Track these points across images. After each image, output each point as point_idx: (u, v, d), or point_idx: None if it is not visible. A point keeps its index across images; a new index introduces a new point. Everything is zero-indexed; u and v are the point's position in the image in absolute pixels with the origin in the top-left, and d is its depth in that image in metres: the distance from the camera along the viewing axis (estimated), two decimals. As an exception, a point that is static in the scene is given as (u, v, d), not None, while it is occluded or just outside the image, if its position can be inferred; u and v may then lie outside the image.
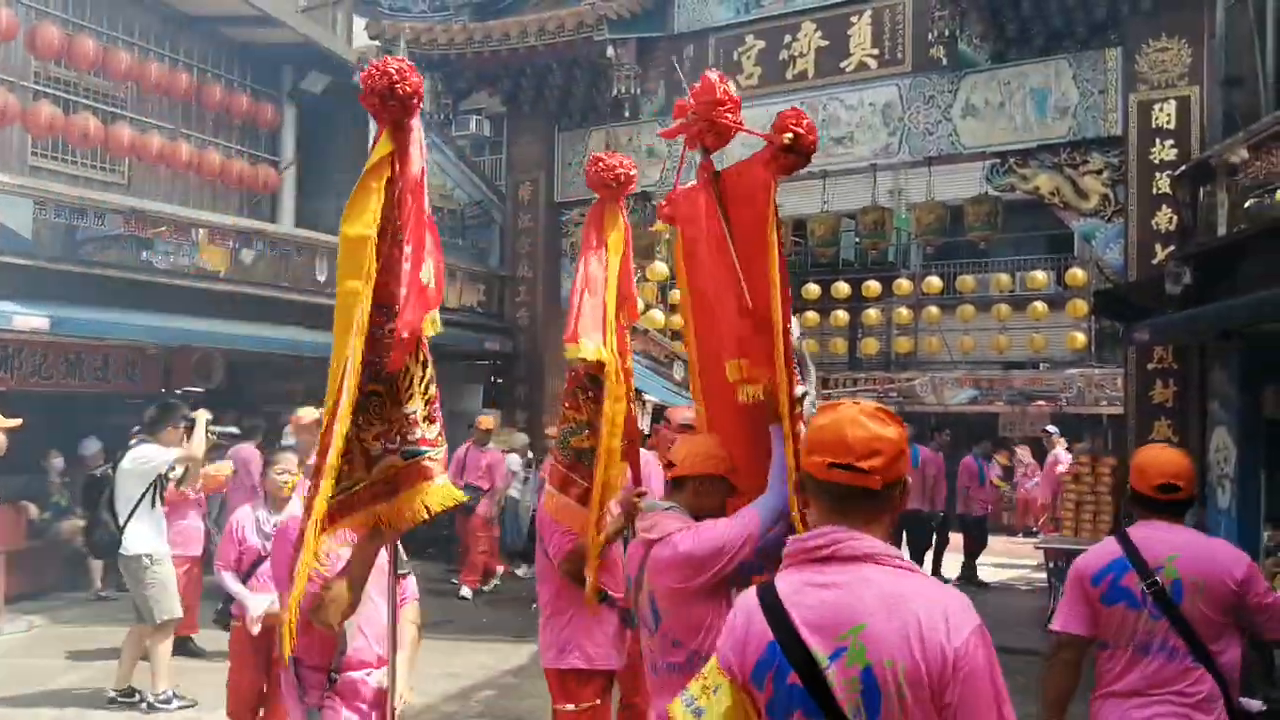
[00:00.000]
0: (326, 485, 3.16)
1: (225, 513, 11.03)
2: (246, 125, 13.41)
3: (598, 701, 4.67)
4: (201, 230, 10.96)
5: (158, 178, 12.34)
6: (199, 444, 7.12)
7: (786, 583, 2.13)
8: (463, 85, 14.84)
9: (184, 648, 8.59)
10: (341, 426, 3.16)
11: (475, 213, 15.16)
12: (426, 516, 3.46)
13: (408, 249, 3.31)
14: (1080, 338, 18.21)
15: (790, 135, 3.43)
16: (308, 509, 3.21)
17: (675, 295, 22.01)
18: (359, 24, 15.40)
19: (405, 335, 3.32)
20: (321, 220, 13.71)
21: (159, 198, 11.73)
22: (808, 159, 3.53)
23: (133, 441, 7.21)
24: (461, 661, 7.13)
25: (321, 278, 12.32)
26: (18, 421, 6.92)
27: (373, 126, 13.32)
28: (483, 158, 18.13)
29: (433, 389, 3.54)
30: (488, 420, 11.93)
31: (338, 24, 15.55)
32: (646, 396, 19.98)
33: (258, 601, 5.49)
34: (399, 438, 3.43)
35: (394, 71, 3.31)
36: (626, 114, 13.97)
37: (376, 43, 14.09)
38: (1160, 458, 3.68)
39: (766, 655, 2.07)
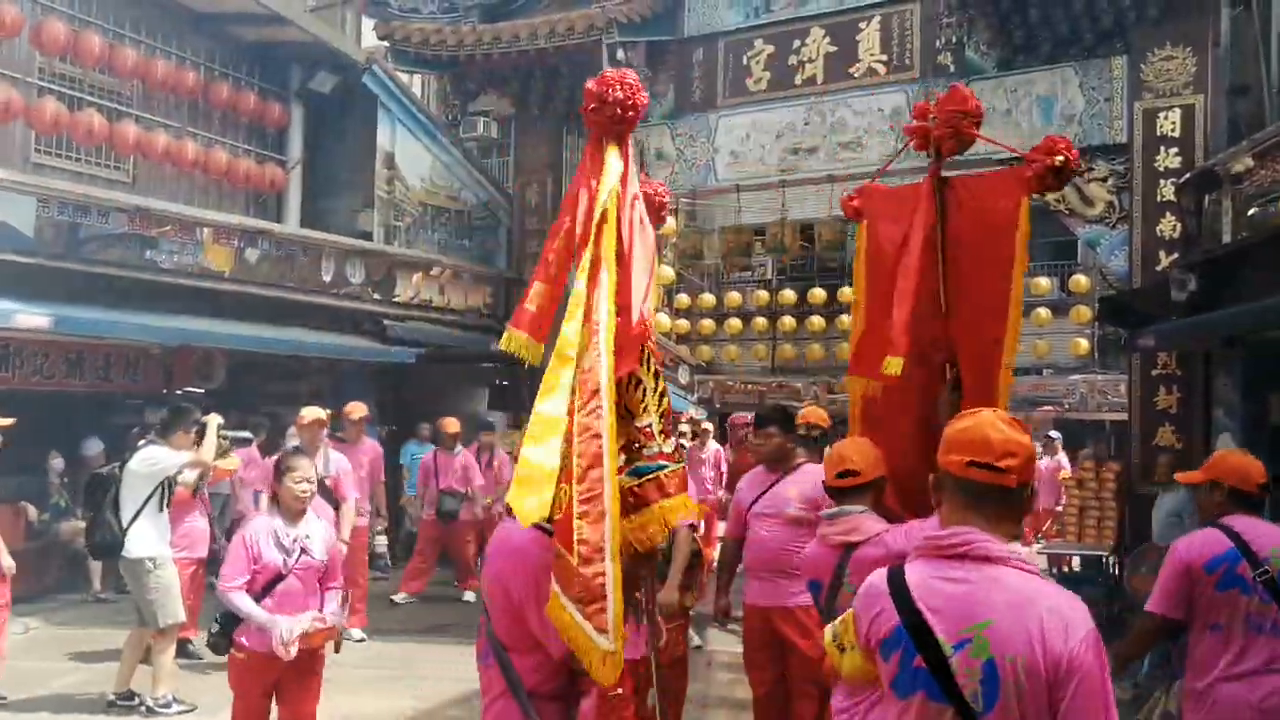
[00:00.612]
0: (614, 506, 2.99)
1: (229, 512, 11.06)
2: (253, 124, 13.40)
3: (621, 690, 4.73)
4: (206, 229, 10.95)
5: (163, 176, 12.32)
6: (209, 449, 7.09)
7: (916, 573, 2.33)
8: (471, 87, 14.84)
9: (183, 650, 8.57)
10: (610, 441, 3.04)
11: (482, 214, 15.16)
12: (665, 535, 3.40)
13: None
14: (1084, 344, 18.18)
15: (1061, 158, 3.63)
16: (565, 535, 2.96)
17: (682, 299, 22.05)
18: (368, 24, 15.41)
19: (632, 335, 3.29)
20: (328, 220, 13.72)
21: (164, 196, 11.70)
22: (1065, 183, 3.87)
23: (142, 442, 7.15)
24: (466, 666, 7.06)
25: (327, 278, 12.32)
26: (11, 421, 6.92)
27: (382, 128, 13.26)
28: (490, 160, 18.13)
29: (666, 400, 3.43)
30: (453, 424, 11.61)
31: (346, 24, 15.54)
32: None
33: (291, 623, 4.86)
34: (629, 453, 3.29)
35: (629, 84, 3.40)
36: (634, 117, 13.93)
37: (385, 44, 14.10)
38: (1254, 462, 4.18)
39: (894, 636, 2.29)
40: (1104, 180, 11.01)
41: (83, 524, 7.84)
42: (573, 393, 3.19)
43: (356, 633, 9.29)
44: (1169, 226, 10.33)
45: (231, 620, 4.98)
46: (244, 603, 4.88)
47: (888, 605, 2.32)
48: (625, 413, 3.25)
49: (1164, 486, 8.43)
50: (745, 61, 13.17)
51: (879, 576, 2.41)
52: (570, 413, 3.13)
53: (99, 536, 6.90)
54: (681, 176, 13.70)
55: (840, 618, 2.70)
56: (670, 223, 16.98)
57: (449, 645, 8.60)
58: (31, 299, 9.20)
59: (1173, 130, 10.46)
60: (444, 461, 11.32)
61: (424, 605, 10.72)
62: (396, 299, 13.34)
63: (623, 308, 3.32)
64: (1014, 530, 2.33)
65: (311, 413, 8.14)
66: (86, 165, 11.56)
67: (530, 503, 3.01)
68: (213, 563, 8.80)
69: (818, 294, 21.19)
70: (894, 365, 3.57)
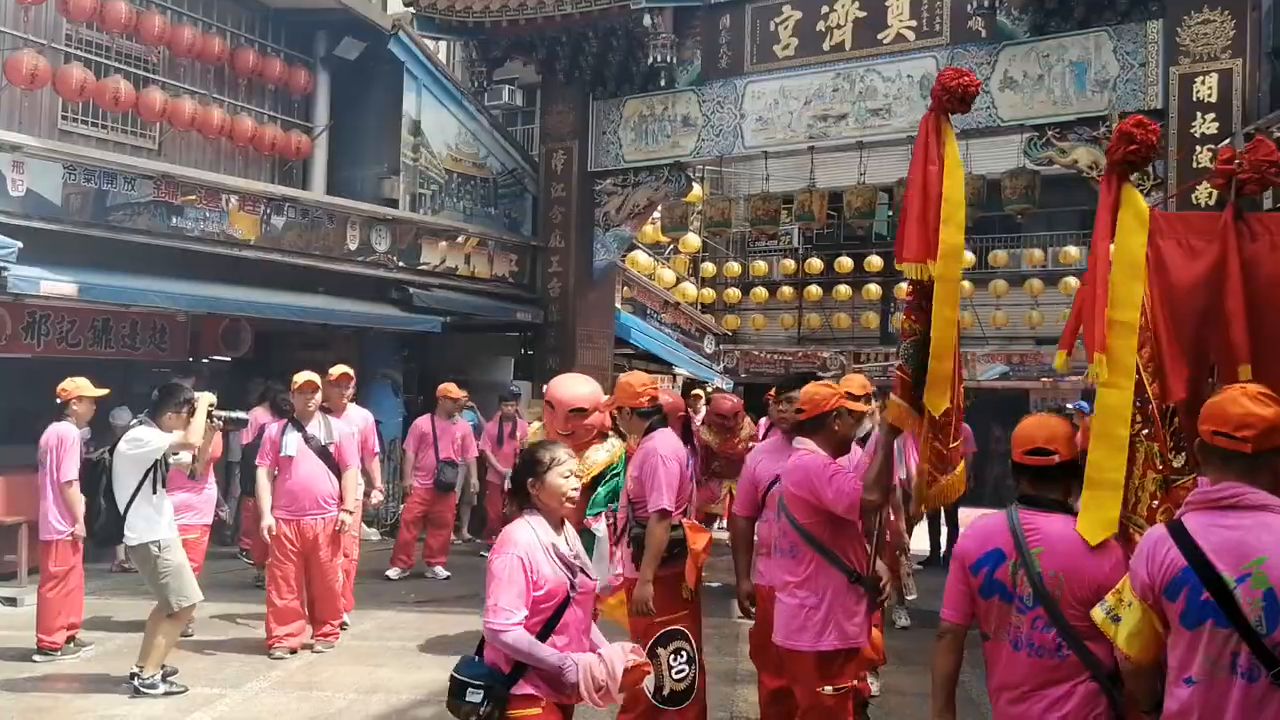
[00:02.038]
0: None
1: (234, 480, 11.13)
2: (279, 91, 13.35)
3: (855, 682, 4.72)
4: (232, 197, 10.93)
5: (189, 143, 12.30)
6: (197, 431, 6.70)
7: (1194, 522, 2.76)
8: (497, 54, 14.73)
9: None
10: None
11: (508, 182, 15.07)
12: None
13: None
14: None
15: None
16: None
17: (707, 268, 21.96)
18: (392, -10, 15.35)
19: None
20: (353, 188, 13.67)
21: (190, 164, 11.69)
22: None
23: (133, 422, 6.85)
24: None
25: (352, 246, 12.30)
26: (105, 391, 6.90)
27: (408, 95, 13.14)
28: (514, 128, 18.04)
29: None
30: (454, 389, 11.26)
31: (371, -10, 15.45)
32: (677, 370, 19.95)
33: (594, 661, 3.64)
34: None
35: (1148, 132, 3.58)
36: (662, 83, 13.84)
37: (411, 10, 14.02)
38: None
39: (1180, 577, 2.71)
40: (1139, 147, 10.82)
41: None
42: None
43: (441, 570, 10.82)
44: (1205, 194, 10.16)
45: (506, 679, 3.59)
46: (531, 645, 3.52)
47: (1173, 552, 2.74)
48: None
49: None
50: (773, 27, 13.02)
51: (1158, 531, 2.86)
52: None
53: (98, 524, 6.63)
54: (708, 144, 13.57)
55: (1114, 589, 2.96)
56: (696, 190, 16.88)
57: (472, 615, 8.59)
58: (58, 266, 9.21)
59: (1210, 95, 10.27)
60: (443, 429, 10.95)
61: (456, 574, 10.73)
62: (422, 267, 13.31)
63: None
64: (1266, 486, 2.72)
65: (304, 376, 7.73)
66: (113, 132, 11.55)
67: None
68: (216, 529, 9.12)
69: (845, 263, 21.13)
70: (1246, 372, 3.71)
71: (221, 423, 7.10)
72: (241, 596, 9.21)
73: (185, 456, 6.97)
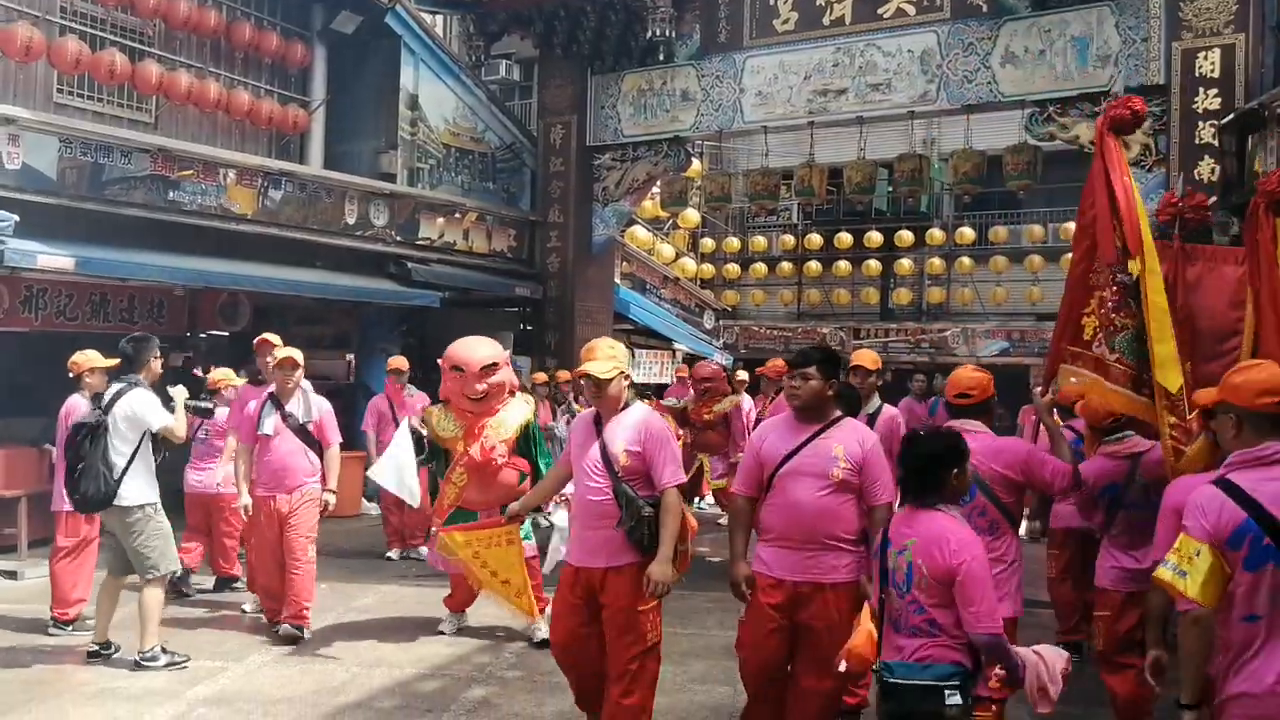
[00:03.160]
0: None
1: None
2: (276, 65, 13.25)
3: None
4: (230, 171, 10.88)
5: (185, 117, 12.23)
6: (182, 424, 6.72)
7: (1244, 479, 3.18)
8: (494, 28, 14.67)
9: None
10: None
11: (506, 156, 15.01)
12: None
13: None
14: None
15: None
16: None
17: (706, 243, 21.91)
18: (389, -37, 15.21)
19: None
20: (351, 162, 13.61)
21: (186, 138, 11.62)
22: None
23: (118, 387, 6.70)
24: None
25: (350, 220, 12.25)
26: (115, 362, 6.81)
27: (405, 69, 13.12)
28: (512, 103, 17.94)
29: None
30: (403, 361, 10.93)
31: (368, -37, 15.33)
32: (676, 345, 19.93)
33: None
34: None
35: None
36: (661, 57, 13.78)
37: (407, -17, 13.91)
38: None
39: (1242, 527, 3.09)
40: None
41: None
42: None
43: (425, 550, 9.87)
44: (1207, 169, 10.13)
45: (972, 675, 3.67)
46: (1009, 645, 3.69)
47: (1230, 506, 3.13)
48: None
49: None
50: (772, 1, 12.95)
51: (1210, 489, 3.22)
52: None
53: (90, 487, 6.43)
54: (707, 118, 13.52)
55: (1173, 548, 3.23)
56: (695, 165, 16.82)
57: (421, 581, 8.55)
58: (55, 240, 9.17)
59: (1212, 71, 10.24)
60: (400, 403, 10.51)
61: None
62: (420, 242, 13.26)
63: None
64: None
65: (283, 351, 7.42)
66: (109, 105, 11.47)
67: None
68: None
69: (844, 238, 21.06)
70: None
71: (190, 413, 7.11)
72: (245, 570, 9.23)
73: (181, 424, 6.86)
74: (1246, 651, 3.13)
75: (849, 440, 4.62)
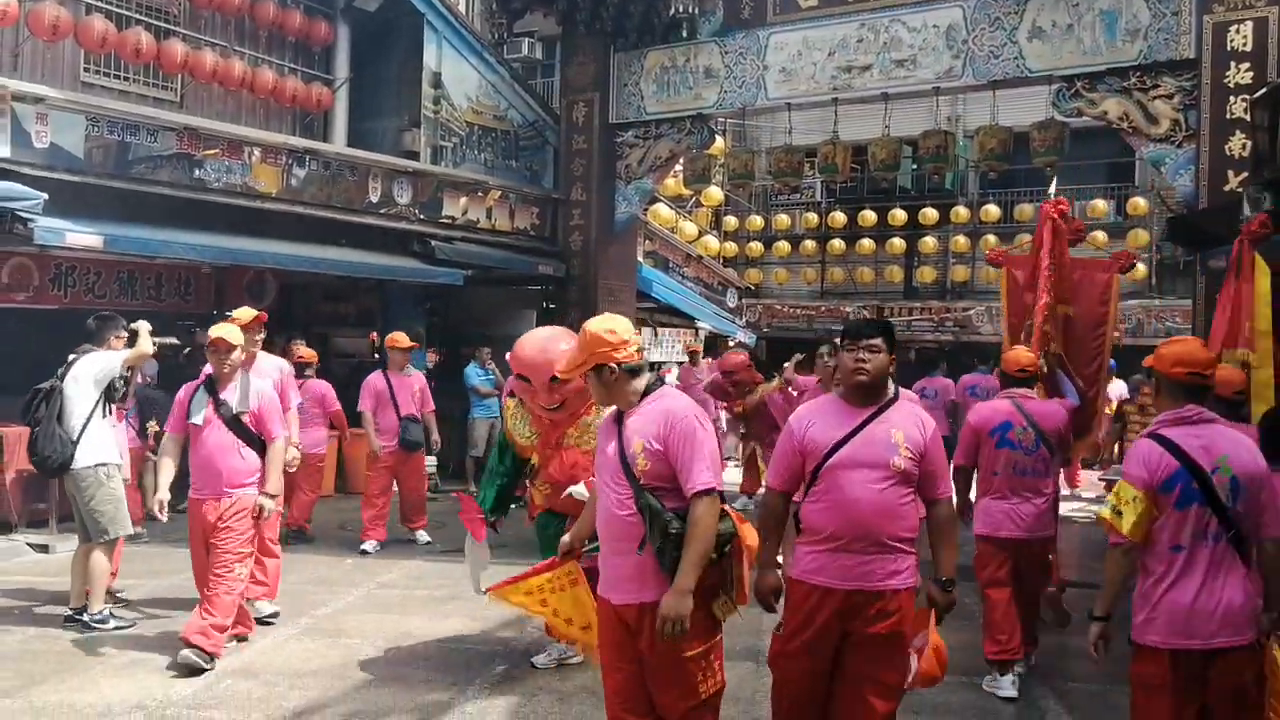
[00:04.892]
0: None
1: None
2: (299, 43, 13.29)
3: None
4: (255, 149, 10.92)
5: (210, 96, 12.28)
6: (146, 341, 6.73)
7: (1172, 434, 3.85)
8: (517, 5, 14.65)
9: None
10: None
11: (529, 134, 15.00)
12: None
13: None
14: (1141, 269, 17.78)
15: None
16: None
17: (729, 221, 21.86)
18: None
19: None
20: (374, 140, 13.64)
21: (211, 116, 11.68)
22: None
23: (73, 356, 6.84)
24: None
25: (374, 198, 12.28)
26: (172, 339, 6.88)
27: (428, 47, 13.12)
28: (534, 81, 17.90)
29: None
30: (403, 339, 10.28)
31: (391, -59, 15.32)
32: (699, 324, 19.92)
33: None
34: None
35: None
36: (684, 34, 13.72)
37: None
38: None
39: (1175, 475, 3.77)
40: (1170, 98, 10.69)
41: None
42: None
43: (423, 535, 10.10)
44: (1238, 144, 10.02)
45: None
46: None
47: (1166, 457, 3.80)
48: None
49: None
50: (798, -24, 12.86)
51: (1147, 442, 3.89)
52: None
53: (49, 449, 6.48)
54: (730, 95, 13.45)
55: (1113, 492, 3.91)
56: (718, 142, 16.76)
57: (498, 565, 8.63)
58: (83, 218, 9.25)
59: (1244, 44, 10.10)
60: (399, 384, 10.02)
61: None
62: (444, 220, 13.29)
63: None
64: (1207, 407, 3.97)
65: (218, 329, 6.39)
66: (135, 84, 11.55)
67: None
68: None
69: (868, 216, 20.93)
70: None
71: (156, 348, 7.12)
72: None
73: (151, 367, 6.90)
74: (1169, 576, 3.80)
75: (908, 425, 4.02)
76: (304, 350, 10.53)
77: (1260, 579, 3.85)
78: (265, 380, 6.71)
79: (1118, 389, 14.53)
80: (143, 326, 6.88)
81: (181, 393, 6.37)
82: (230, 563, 6.06)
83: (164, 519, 6.39)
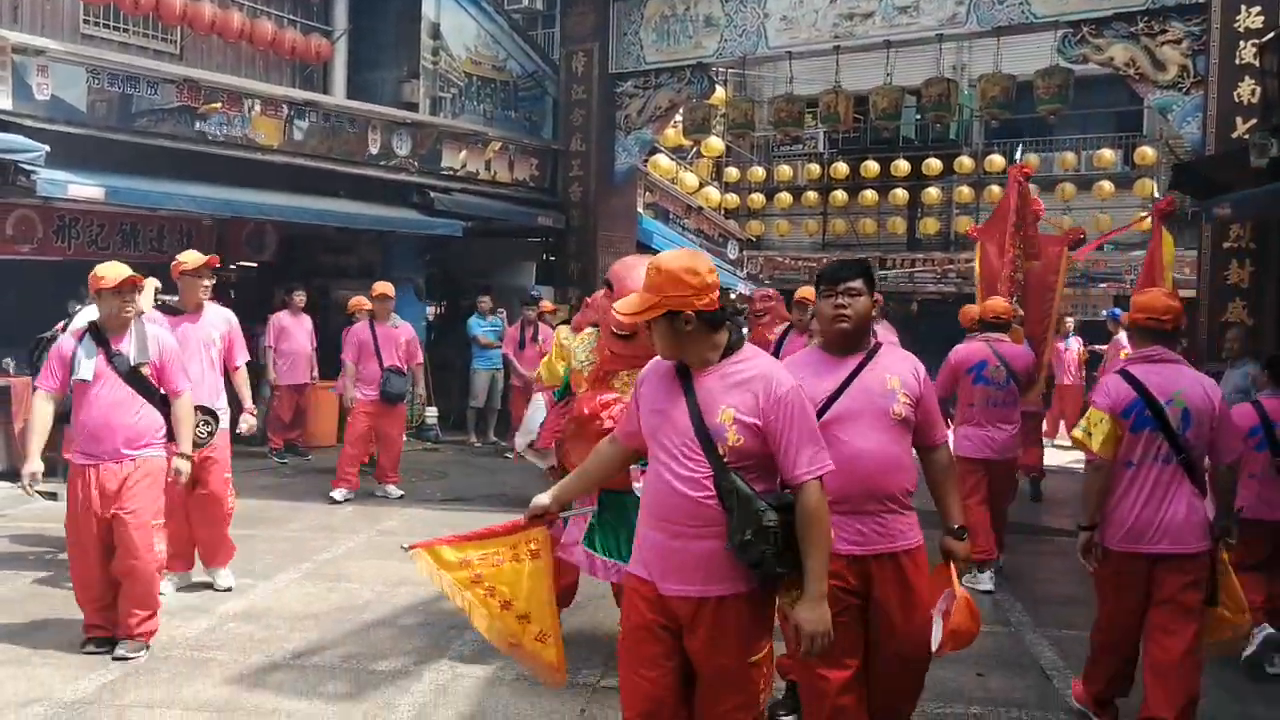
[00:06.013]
0: None
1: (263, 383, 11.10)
2: (298, -6, 13.24)
3: None
4: (255, 102, 10.90)
5: (210, 48, 12.23)
6: (148, 298, 6.45)
7: (1136, 370, 4.52)
8: (516, -47, 14.49)
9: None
10: None
11: (528, 85, 14.92)
12: None
13: None
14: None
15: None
16: None
17: (731, 173, 21.76)
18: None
19: None
20: (373, 92, 13.58)
21: (211, 68, 11.65)
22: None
23: (77, 307, 6.79)
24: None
25: (374, 150, 12.26)
26: (156, 284, 6.80)
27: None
28: (534, 31, 17.78)
29: None
30: (388, 288, 9.96)
31: (389, -111, 15.16)
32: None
33: None
34: None
35: None
36: (684, -18, 13.60)
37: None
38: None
39: (1133, 403, 4.45)
40: (1178, 43, 10.58)
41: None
42: None
43: (394, 490, 9.89)
44: (1247, 90, 9.92)
45: None
46: None
47: (1125, 387, 4.48)
48: None
49: (1231, 362, 8.25)
50: (799, -78, 12.72)
51: (1114, 377, 4.61)
52: None
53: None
54: (731, 44, 13.36)
55: (1084, 417, 4.62)
56: (719, 92, 16.65)
57: (496, 513, 8.70)
58: (85, 170, 9.28)
59: (1255, -14, 9.97)
60: (384, 335, 9.77)
61: (465, 473, 10.86)
62: (443, 171, 13.26)
63: None
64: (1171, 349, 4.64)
65: (109, 269, 5.47)
66: (135, 36, 11.52)
67: None
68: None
69: (871, 167, 20.85)
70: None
71: (161, 305, 7.02)
72: (275, 493, 9.62)
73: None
74: (1119, 488, 4.50)
75: (902, 370, 3.73)
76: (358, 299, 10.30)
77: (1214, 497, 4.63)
78: (160, 326, 5.94)
79: (1077, 343, 14.41)
80: (149, 286, 6.82)
81: (60, 345, 5.53)
82: (145, 538, 5.39)
83: (33, 495, 5.61)
